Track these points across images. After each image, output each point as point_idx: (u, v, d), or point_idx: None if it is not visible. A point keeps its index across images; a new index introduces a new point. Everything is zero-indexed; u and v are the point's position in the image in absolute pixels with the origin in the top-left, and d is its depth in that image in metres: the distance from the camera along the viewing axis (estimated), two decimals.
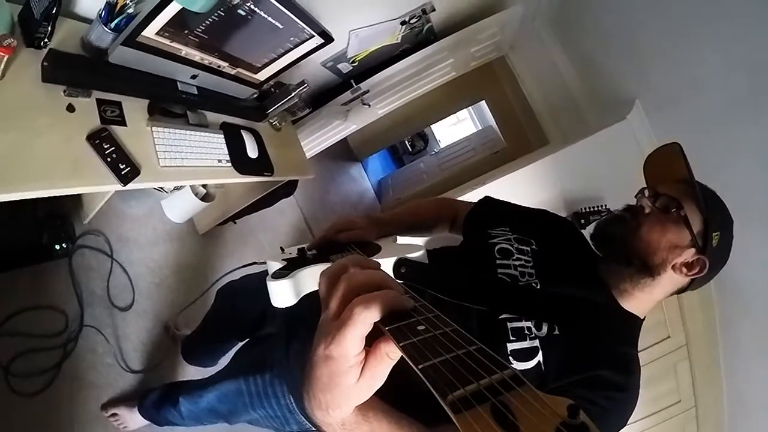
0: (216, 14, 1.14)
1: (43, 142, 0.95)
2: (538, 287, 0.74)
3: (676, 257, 0.74)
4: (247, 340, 1.21)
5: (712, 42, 1.48)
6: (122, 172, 1.07)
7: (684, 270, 0.75)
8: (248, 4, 1.15)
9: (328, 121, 2.43)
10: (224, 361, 1.33)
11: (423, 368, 0.32)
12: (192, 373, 1.68)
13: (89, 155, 1.03)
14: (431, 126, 5.23)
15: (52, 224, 1.37)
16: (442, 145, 5.38)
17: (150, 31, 1.07)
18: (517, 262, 0.78)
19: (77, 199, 1.52)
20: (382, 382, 0.41)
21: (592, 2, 2.03)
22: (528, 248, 0.81)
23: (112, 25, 1.05)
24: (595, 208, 1.98)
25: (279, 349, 0.94)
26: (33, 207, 1.32)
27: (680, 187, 0.77)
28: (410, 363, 0.34)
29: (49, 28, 0.95)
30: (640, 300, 0.77)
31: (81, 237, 1.54)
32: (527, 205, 1.00)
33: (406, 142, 5.36)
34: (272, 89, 1.76)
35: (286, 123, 1.98)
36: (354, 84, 2.16)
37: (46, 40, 0.97)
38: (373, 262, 0.49)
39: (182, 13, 1.06)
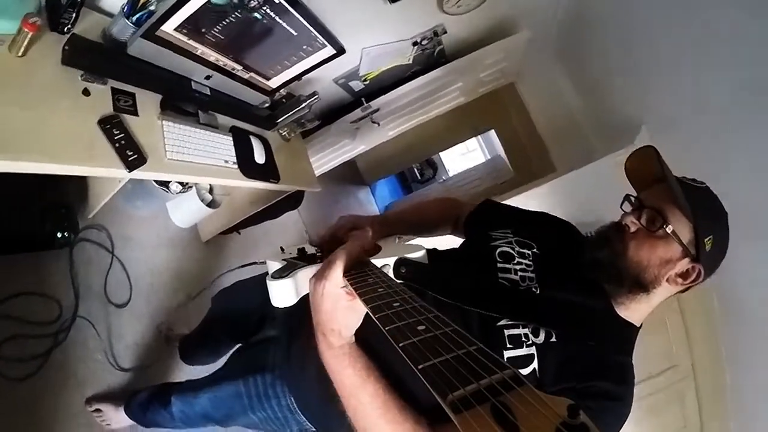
0: (233, 16, 1.19)
1: (56, 121, 0.98)
2: (538, 292, 0.74)
3: (668, 271, 0.71)
4: (244, 342, 1.18)
5: (714, 64, 1.49)
6: (129, 159, 1.09)
7: (679, 280, 0.72)
8: (264, 8, 1.21)
9: (337, 139, 2.47)
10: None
11: (423, 368, 0.33)
12: (182, 378, 1.63)
13: (98, 139, 1.05)
14: (441, 155, 5.29)
15: (56, 212, 1.38)
16: (451, 174, 5.41)
17: (169, 26, 1.12)
18: (518, 266, 0.77)
19: (83, 191, 1.54)
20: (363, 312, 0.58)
21: (597, 30, 2.08)
22: (529, 252, 0.80)
23: (134, 18, 1.11)
24: None
25: (280, 350, 0.93)
26: (39, 193, 1.34)
27: (663, 192, 0.74)
28: (410, 363, 0.35)
29: (74, 15, 1.00)
30: (637, 310, 0.76)
31: (84, 230, 1.55)
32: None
33: (415, 170, 5.39)
34: (283, 99, 1.81)
35: (296, 134, 2.02)
36: (365, 102, 2.21)
37: (69, 26, 1.02)
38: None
39: (201, 11, 1.11)
